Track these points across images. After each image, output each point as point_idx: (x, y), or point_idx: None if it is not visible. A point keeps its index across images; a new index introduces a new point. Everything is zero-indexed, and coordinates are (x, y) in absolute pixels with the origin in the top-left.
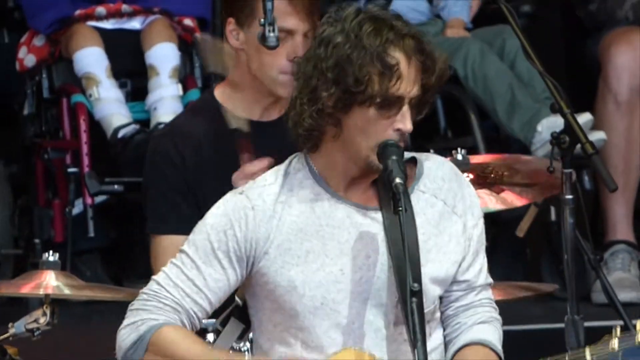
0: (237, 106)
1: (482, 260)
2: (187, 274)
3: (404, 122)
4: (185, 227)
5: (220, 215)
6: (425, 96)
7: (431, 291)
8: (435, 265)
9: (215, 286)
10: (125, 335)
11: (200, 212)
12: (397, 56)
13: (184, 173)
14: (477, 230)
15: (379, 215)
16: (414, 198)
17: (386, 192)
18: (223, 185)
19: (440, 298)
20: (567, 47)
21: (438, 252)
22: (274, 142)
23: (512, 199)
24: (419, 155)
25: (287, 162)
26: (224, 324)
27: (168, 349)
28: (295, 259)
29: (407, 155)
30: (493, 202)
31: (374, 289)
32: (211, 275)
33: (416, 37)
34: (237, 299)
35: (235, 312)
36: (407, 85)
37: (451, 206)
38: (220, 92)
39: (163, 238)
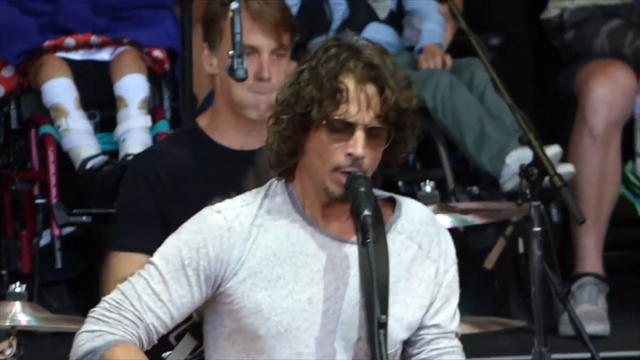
0: (220, 134)
1: (454, 307)
2: (154, 287)
3: (355, 146)
4: (146, 248)
5: (195, 232)
6: (397, 133)
7: (394, 333)
8: (401, 307)
9: (180, 302)
10: (82, 342)
11: (166, 236)
12: (347, 82)
13: (158, 195)
14: (449, 276)
15: (354, 249)
16: (390, 238)
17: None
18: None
19: (413, 342)
20: (536, 80)
21: (406, 296)
22: (251, 171)
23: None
24: (398, 197)
25: (267, 184)
26: (178, 338)
27: None
28: (264, 283)
29: (386, 194)
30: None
31: (339, 321)
32: (177, 291)
33: (375, 66)
34: (194, 315)
35: (191, 328)
36: (357, 110)
37: (426, 250)
38: (203, 121)
39: (121, 255)
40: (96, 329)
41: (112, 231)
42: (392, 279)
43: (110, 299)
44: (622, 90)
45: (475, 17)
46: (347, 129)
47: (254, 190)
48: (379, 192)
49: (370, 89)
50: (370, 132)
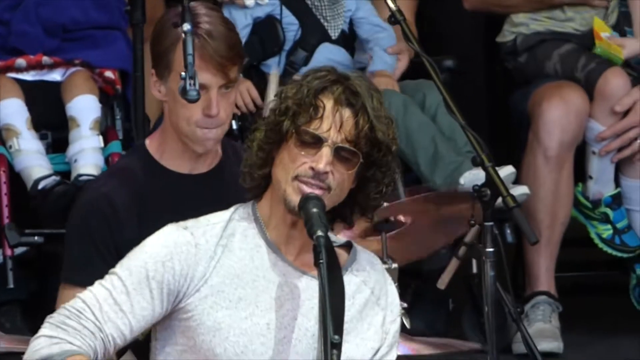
0: (168, 157)
1: (394, 356)
2: (116, 297)
3: (319, 161)
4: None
5: (162, 246)
6: (369, 168)
7: None
8: (352, 346)
9: (141, 314)
10: (39, 347)
11: None
12: (325, 101)
13: (114, 230)
14: (395, 326)
15: (314, 282)
16: (347, 279)
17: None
18: None
19: None
20: (489, 101)
21: (356, 336)
22: (200, 195)
23: None
24: (354, 243)
25: (232, 208)
26: (119, 354)
27: None
28: (226, 302)
29: (343, 240)
30: None
31: (294, 351)
32: (139, 302)
33: (356, 93)
34: (139, 334)
35: (133, 345)
36: (328, 128)
37: (376, 297)
38: (151, 145)
39: (72, 289)
40: (54, 335)
41: (65, 263)
42: (345, 317)
43: (71, 306)
44: (575, 112)
45: (431, 40)
46: (315, 144)
47: (218, 213)
48: (334, 238)
49: (346, 112)
50: (338, 153)
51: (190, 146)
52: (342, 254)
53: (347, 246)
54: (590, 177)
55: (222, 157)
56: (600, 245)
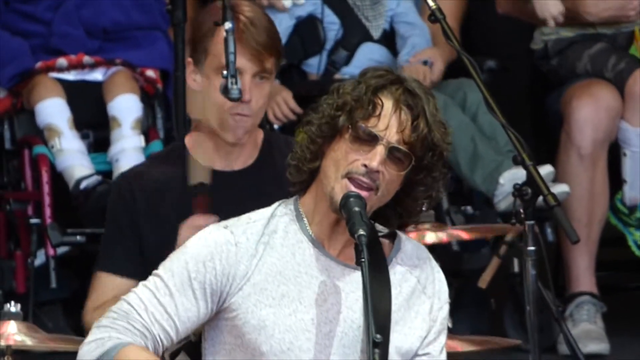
0: (202, 154)
1: (444, 342)
2: (160, 299)
3: (372, 159)
4: (125, 270)
5: (202, 246)
6: (420, 172)
7: None
8: (400, 336)
9: (185, 316)
10: (90, 351)
11: (143, 257)
12: (385, 100)
13: (133, 215)
14: (442, 313)
15: (357, 275)
16: (391, 269)
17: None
18: (175, 232)
19: None
20: (532, 102)
21: (404, 325)
22: (235, 193)
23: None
24: (399, 233)
25: (275, 204)
26: (173, 357)
27: None
28: (269, 300)
29: (387, 230)
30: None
31: (340, 344)
32: (183, 304)
33: (416, 95)
34: (191, 335)
35: (187, 346)
36: (385, 127)
37: (422, 286)
38: (190, 139)
39: (104, 275)
40: (104, 335)
41: (99, 251)
42: (393, 307)
43: (117, 309)
44: (606, 109)
45: (477, 41)
46: (370, 141)
47: (261, 210)
48: (380, 227)
49: (405, 114)
50: (391, 153)
51: (222, 136)
52: (386, 244)
53: (392, 236)
54: (625, 181)
55: (259, 154)
56: (638, 252)
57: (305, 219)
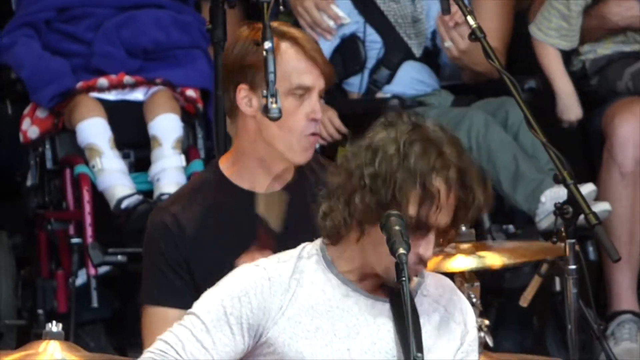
0: (241, 177)
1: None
2: (197, 335)
3: (427, 249)
4: (177, 301)
5: (235, 283)
6: (453, 226)
7: None
8: None
9: (223, 350)
10: None
11: (195, 286)
12: (438, 185)
13: (182, 247)
14: (470, 337)
15: (387, 307)
16: (417, 301)
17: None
18: (223, 260)
19: None
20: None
21: (436, 353)
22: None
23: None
24: None
25: (300, 247)
26: None
27: None
28: (305, 333)
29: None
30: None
31: None
32: (220, 339)
33: (462, 169)
34: None
35: None
36: (442, 215)
37: (450, 314)
38: (225, 164)
39: (154, 310)
40: None
41: (143, 284)
42: (423, 335)
43: (155, 348)
44: None
45: (518, 60)
46: (422, 229)
47: (287, 251)
48: None
49: (455, 194)
50: (438, 231)
51: (289, 158)
52: (412, 277)
53: None
54: None
55: (295, 174)
56: None
57: (332, 263)
